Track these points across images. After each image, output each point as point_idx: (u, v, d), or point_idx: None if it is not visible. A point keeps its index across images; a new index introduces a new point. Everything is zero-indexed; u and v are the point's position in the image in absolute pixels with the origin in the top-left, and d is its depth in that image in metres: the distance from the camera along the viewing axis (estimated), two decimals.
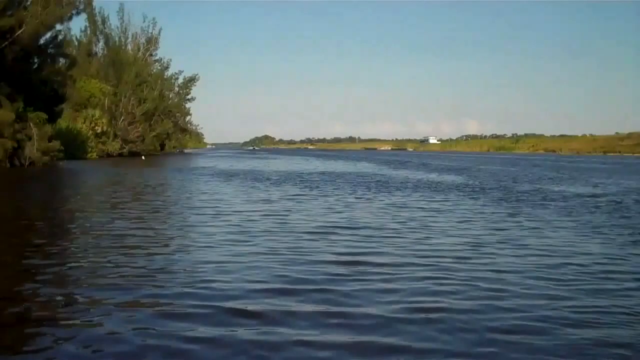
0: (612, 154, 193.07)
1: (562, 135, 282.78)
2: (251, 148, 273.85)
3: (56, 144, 50.46)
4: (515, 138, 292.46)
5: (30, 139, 46.57)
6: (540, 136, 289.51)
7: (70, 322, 6.52)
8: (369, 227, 14.14)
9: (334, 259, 10.15)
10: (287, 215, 16.33)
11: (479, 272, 9.38)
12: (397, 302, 7.49)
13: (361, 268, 9.48)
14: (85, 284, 8.24)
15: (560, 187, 30.79)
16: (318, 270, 9.28)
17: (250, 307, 7.07)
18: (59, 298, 7.50)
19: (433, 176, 41.01)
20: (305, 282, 8.48)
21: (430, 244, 12.00)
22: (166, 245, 11.46)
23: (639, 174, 50.31)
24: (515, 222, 15.91)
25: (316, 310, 7.08)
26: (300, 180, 33.63)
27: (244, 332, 6.24)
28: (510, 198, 23.80)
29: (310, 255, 10.57)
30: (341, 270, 9.30)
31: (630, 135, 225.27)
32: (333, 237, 12.73)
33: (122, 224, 14.31)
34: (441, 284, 8.48)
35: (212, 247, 11.25)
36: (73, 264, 9.67)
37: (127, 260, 9.93)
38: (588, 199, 24.17)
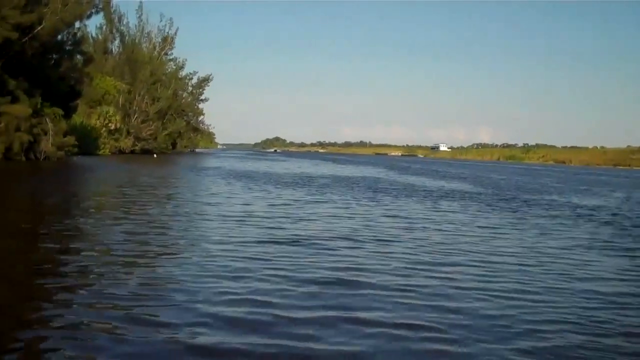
0: (622, 167, 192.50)
1: (572, 147, 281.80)
2: (272, 150, 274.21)
3: (71, 139, 51.35)
4: (526, 148, 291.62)
5: (46, 133, 47.50)
6: (552, 147, 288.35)
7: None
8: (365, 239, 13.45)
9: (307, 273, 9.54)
10: (284, 222, 15.88)
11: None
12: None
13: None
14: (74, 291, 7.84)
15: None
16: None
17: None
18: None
19: (442, 184, 41.67)
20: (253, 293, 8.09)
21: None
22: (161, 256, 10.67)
23: None
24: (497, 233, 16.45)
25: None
26: (312, 185, 34.34)
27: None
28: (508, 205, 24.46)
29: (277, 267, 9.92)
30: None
31: None
32: (325, 247, 12.07)
33: (125, 226, 13.98)
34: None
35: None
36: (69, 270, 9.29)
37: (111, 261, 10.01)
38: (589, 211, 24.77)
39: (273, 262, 10.31)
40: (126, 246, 11.19)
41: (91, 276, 8.75)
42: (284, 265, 10.03)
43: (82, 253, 10.60)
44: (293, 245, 12.09)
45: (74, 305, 7.16)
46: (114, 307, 7.05)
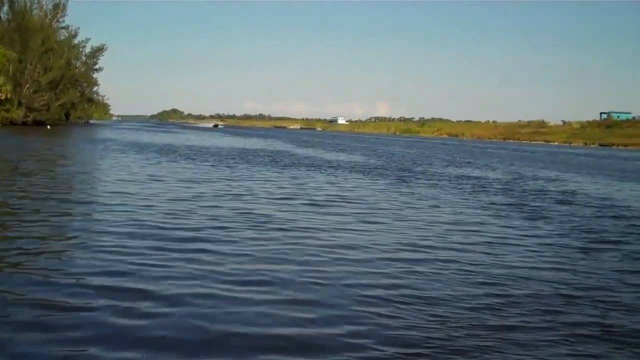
0: (511, 140, 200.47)
1: (467, 121, 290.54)
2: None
3: None
4: (422, 122, 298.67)
5: None
6: (446, 121, 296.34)
7: None
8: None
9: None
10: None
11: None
12: None
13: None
14: None
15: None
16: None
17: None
18: None
19: (341, 157, 42.70)
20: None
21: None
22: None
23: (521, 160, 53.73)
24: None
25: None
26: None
27: None
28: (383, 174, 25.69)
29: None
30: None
31: (529, 123, 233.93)
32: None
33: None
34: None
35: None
36: None
37: None
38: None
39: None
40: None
41: None
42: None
43: None
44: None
45: None
46: None
